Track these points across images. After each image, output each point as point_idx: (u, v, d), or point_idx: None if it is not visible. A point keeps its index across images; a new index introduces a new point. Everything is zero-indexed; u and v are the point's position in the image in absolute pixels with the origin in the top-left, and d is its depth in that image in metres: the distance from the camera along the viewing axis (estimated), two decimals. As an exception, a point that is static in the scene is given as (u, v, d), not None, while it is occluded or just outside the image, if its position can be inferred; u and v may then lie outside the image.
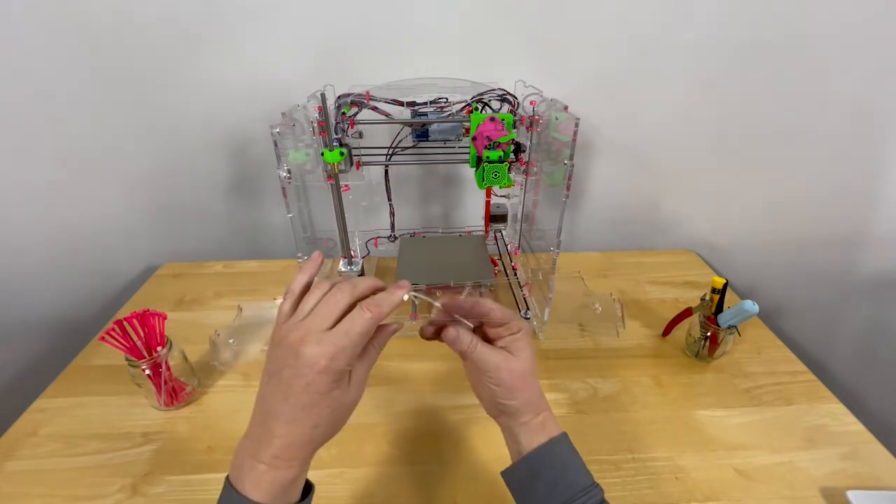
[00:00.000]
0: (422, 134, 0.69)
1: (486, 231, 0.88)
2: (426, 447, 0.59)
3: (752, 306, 0.63)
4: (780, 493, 0.54)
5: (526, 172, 0.73)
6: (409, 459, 0.58)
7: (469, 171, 0.84)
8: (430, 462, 0.58)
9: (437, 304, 0.42)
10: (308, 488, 0.37)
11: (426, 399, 0.66)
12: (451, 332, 0.41)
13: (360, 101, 0.65)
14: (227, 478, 0.35)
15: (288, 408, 0.34)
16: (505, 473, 0.42)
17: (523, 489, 0.40)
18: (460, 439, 0.60)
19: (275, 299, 0.80)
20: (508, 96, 0.66)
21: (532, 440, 0.40)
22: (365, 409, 0.62)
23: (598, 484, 0.39)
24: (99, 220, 0.94)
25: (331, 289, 0.37)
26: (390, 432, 0.61)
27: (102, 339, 0.59)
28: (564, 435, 0.41)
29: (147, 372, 0.60)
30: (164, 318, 0.62)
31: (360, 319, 0.34)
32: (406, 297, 0.38)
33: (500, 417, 0.42)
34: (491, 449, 0.58)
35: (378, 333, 0.39)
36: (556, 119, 0.62)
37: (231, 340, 0.72)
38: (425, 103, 0.66)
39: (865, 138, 0.91)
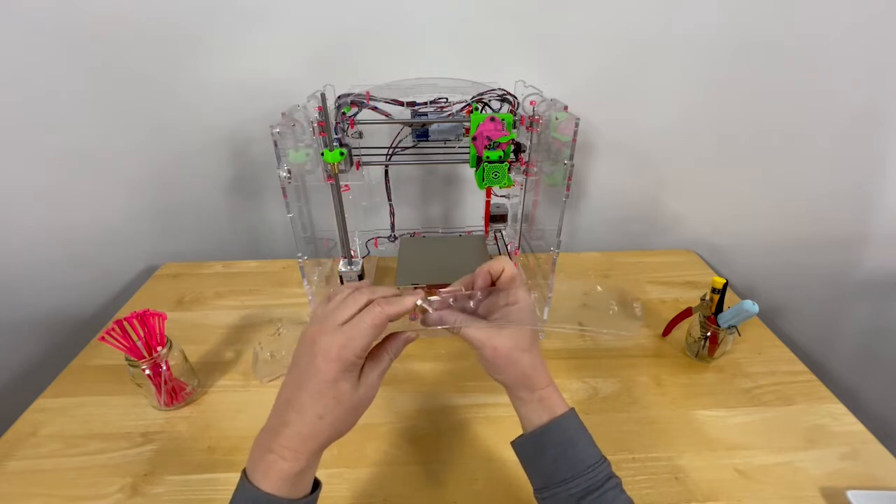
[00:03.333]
0: (422, 134, 0.69)
1: (486, 231, 0.88)
2: (426, 447, 0.59)
3: (751, 306, 0.63)
4: (780, 493, 0.54)
5: (526, 172, 0.73)
6: (408, 459, 0.58)
7: (469, 171, 0.84)
8: (431, 462, 0.58)
9: (431, 309, 0.42)
10: (316, 486, 0.38)
11: (426, 399, 0.66)
12: (433, 315, 0.41)
13: (360, 101, 0.65)
14: (244, 469, 0.36)
15: (300, 395, 0.35)
16: (514, 443, 0.43)
17: (530, 461, 0.42)
18: (461, 439, 0.60)
19: (279, 320, 0.80)
20: (508, 96, 0.66)
21: (533, 417, 0.42)
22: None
23: (605, 459, 0.41)
24: (99, 220, 0.94)
25: (353, 292, 0.39)
26: (390, 432, 0.61)
27: (102, 339, 0.59)
28: (571, 412, 0.42)
29: (147, 372, 0.60)
30: (164, 318, 0.62)
31: (371, 313, 0.36)
32: (419, 303, 0.40)
33: (506, 388, 0.44)
34: (491, 449, 0.58)
35: (392, 340, 0.41)
36: (556, 119, 0.62)
37: (269, 354, 0.71)
38: (425, 103, 0.66)
39: (865, 138, 0.91)
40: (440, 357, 0.71)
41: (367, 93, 0.65)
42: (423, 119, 0.66)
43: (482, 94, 0.65)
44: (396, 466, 0.57)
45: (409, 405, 0.65)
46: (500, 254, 0.88)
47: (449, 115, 0.66)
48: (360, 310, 0.37)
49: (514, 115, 0.65)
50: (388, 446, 0.59)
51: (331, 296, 0.40)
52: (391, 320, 0.37)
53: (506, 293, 0.42)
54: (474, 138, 0.63)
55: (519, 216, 0.86)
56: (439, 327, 0.41)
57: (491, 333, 0.41)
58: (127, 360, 0.60)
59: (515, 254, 0.88)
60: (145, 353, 0.60)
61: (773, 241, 1.04)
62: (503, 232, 0.91)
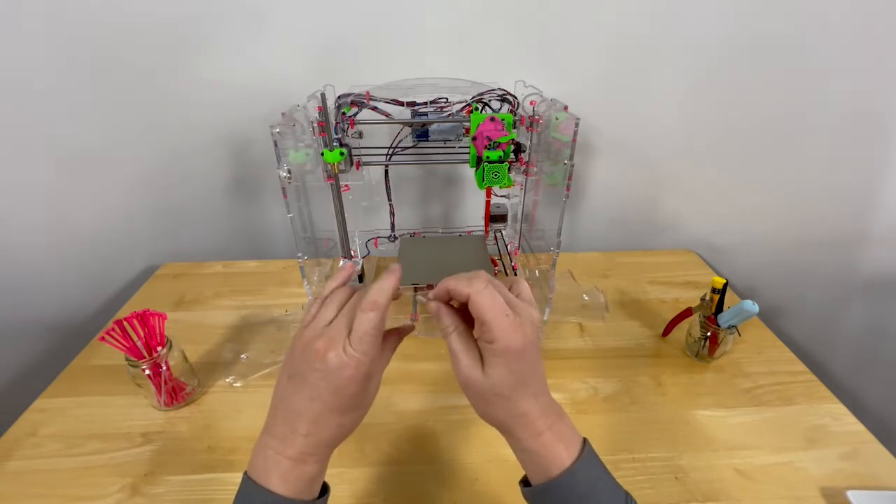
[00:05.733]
0: (422, 134, 0.69)
1: (486, 231, 0.88)
2: (426, 447, 0.59)
3: (751, 306, 0.63)
4: (780, 493, 0.54)
5: (526, 172, 0.73)
6: (408, 459, 0.58)
7: (469, 171, 0.84)
8: (430, 462, 0.58)
9: (426, 299, 0.41)
10: (325, 488, 0.38)
11: (426, 399, 0.66)
12: (432, 305, 0.38)
13: (360, 101, 0.65)
14: (246, 474, 0.36)
15: (315, 408, 0.35)
16: (522, 491, 0.38)
17: None
18: (460, 439, 0.60)
19: (286, 311, 0.80)
20: (508, 96, 0.66)
21: (528, 468, 0.37)
22: (365, 409, 0.62)
23: (628, 497, 0.36)
24: (99, 220, 0.94)
25: (351, 296, 0.38)
26: (390, 432, 0.61)
27: (102, 339, 0.59)
28: (577, 467, 0.35)
29: (147, 372, 0.60)
30: (164, 318, 0.62)
31: (365, 320, 0.35)
32: (421, 299, 0.39)
33: None
34: (490, 449, 0.58)
35: (392, 336, 0.40)
36: (556, 119, 0.62)
37: (243, 356, 0.71)
38: (425, 103, 0.66)
39: (865, 138, 0.91)
40: (440, 357, 0.71)
41: (367, 93, 0.65)
42: (423, 119, 0.66)
43: (482, 94, 0.65)
44: (396, 466, 0.57)
45: (409, 405, 0.65)
46: (499, 254, 0.88)
47: (449, 115, 0.66)
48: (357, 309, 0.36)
49: (514, 115, 0.65)
50: (388, 446, 0.59)
51: (322, 294, 0.40)
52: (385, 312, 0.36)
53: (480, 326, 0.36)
54: (474, 138, 0.63)
55: (519, 216, 0.86)
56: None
57: (471, 362, 0.36)
58: (127, 360, 0.60)
59: (515, 254, 0.88)
60: (145, 353, 0.60)
61: (773, 241, 1.04)
62: (503, 232, 0.91)
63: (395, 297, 0.39)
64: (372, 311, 0.35)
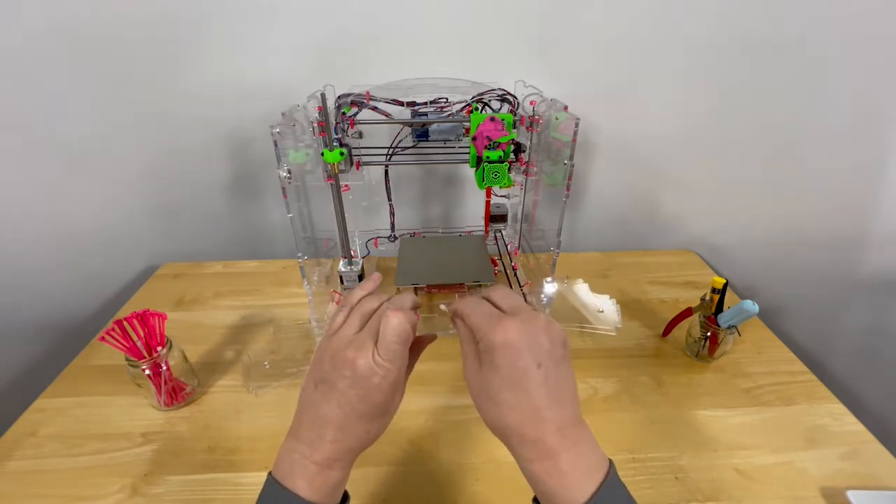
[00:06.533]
0: (422, 134, 0.69)
1: (486, 231, 0.88)
2: (426, 447, 0.59)
3: (751, 306, 0.63)
4: (780, 493, 0.54)
5: (526, 172, 0.73)
6: (409, 459, 0.58)
7: (469, 171, 0.84)
8: (431, 462, 0.58)
9: (443, 306, 0.42)
10: (345, 495, 0.38)
11: (426, 399, 0.66)
12: (453, 319, 0.40)
13: (360, 101, 0.65)
14: (271, 475, 0.36)
15: (343, 415, 0.35)
16: None
17: None
18: (460, 439, 0.60)
19: (309, 321, 0.80)
20: (508, 96, 0.66)
21: (542, 500, 0.33)
22: (365, 409, 0.62)
23: None
24: (99, 220, 0.94)
25: (380, 305, 0.39)
26: (390, 432, 0.60)
27: (102, 339, 0.59)
28: (601, 499, 0.31)
29: (147, 372, 0.60)
30: (164, 318, 0.62)
31: (392, 328, 0.35)
32: (442, 307, 0.40)
33: None
34: (491, 449, 0.58)
35: (416, 345, 0.41)
36: (556, 119, 0.62)
37: (266, 363, 0.71)
38: (425, 103, 0.66)
39: (865, 138, 0.91)
40: (440, 357, 0.71)
41: (367, 93, 0.65)
42: (423, 119, 0.66)
43: (482, 94, 0.65)
44: (396, 466, 0.57)
45: (409, 405, 0.64)
46: (499, 254, 0.88)
47: (449, 115, 0.66)
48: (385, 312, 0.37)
49: (514, 115, 0.65)
50: (388, 446, 0.59)
51: (350, 301, 0.40)
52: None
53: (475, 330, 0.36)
54: (474, 138, 0.63)
55: (519, 216, 0.86)
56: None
57: (472, 359, 0.36)
58: (127, 360, 0.60)
59: (516, 254, 0.88)
60: (145, 353, 0.60)
61: (773, 241, 1.04)
62: (503, 232, 0.91)
63: (417, 306, 0.40)
64: (399, 319, 0.36)
